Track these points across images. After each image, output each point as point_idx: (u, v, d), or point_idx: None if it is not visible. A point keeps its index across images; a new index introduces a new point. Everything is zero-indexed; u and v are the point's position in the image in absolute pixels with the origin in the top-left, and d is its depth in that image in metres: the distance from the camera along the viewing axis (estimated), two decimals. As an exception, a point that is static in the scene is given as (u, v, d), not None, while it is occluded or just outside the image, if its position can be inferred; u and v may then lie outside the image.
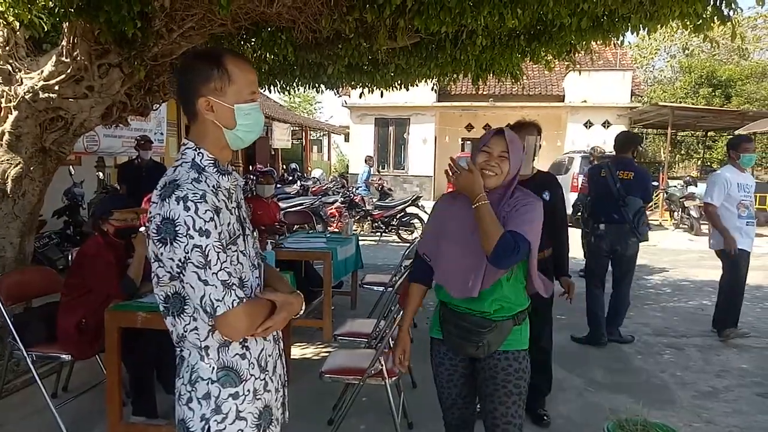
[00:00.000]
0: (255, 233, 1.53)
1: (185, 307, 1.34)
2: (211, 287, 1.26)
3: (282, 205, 7.87)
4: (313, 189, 13.08)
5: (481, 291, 1.92)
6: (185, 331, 1.36)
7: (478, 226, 1.88)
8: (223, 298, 1.27)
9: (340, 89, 6.57)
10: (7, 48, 3.64)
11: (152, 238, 1.30)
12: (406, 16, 3.30)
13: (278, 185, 12.03)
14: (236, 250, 1.37)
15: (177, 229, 1.25)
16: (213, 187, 1.33)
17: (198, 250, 1.25)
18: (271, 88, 5.95)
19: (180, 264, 1.27)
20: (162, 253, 1.29)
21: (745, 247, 4.62)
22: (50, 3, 3.02)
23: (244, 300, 1.31)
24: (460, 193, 2.01)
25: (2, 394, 3.24)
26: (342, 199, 10.83)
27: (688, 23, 3.44)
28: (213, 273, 1.26)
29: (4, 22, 3.37)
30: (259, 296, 1.41)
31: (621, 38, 4.21)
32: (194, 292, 1.28)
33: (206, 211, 1.26)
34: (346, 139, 24.07)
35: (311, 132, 24.16)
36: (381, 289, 4.78)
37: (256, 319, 1.36)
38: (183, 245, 1.25)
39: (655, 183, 15.34)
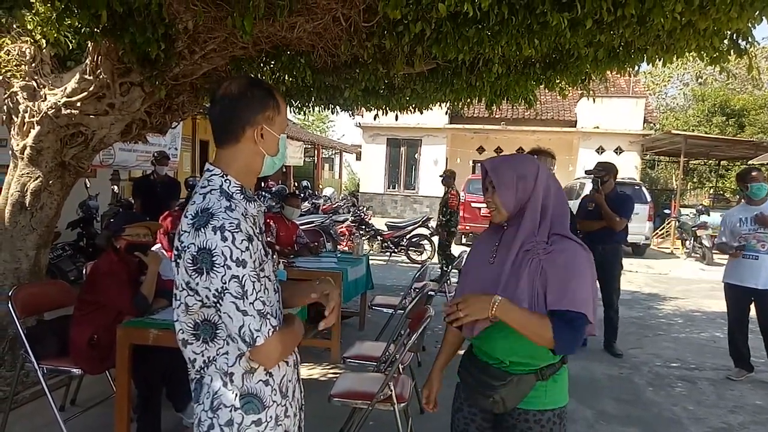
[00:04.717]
0: (274, 256, 1.55)
1: (218, 332, 1.34)
2: (249, 317, 1.27)
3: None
4: (324, 207, 13.14)
5: (488, 335, 1.70)
6: (217, 355, 1.36)
7: (519, 324, 1.61)
8: (260, 329, 1.28)
9: (355, 111, 6.63)
10: (33, 65, 3.73)
11: (186, 268, 1.29)
12: (424, 44, 3.34)
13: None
14: (264, 276, 1.37)
15: (214, 259, 1.25)
16: (242, 214, 1.33)
17: (236, 280, 1.25)
18: (287, 108, 6.02)
19: (217, 294, 1.27)
20: (198, 283, 1.29)
21: (732, 281, 4.52)
22: (77, 23, 3.10)
23: (277, 328, 1.33)
24: (491, 229, 1.84)
25: (12, 406, 3.24)
26: (352, 217, 10.87)
27: (704, 55, 3.44)
28: (250, 303, 1.27)
29: (32, 40, 3.46)
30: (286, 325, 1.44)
31: (636, 68, 4.23)
32: (232, 322, 1.28)
33: (242, 240, 1.27)
34: (358, 158, 24.22)
35: (323, 150, 24.35)
36: (390, 311, 4.75)
37: (289, 346, 1.39)
38: (220, 275, 1.25)
39: (667, 211, 15.33)
